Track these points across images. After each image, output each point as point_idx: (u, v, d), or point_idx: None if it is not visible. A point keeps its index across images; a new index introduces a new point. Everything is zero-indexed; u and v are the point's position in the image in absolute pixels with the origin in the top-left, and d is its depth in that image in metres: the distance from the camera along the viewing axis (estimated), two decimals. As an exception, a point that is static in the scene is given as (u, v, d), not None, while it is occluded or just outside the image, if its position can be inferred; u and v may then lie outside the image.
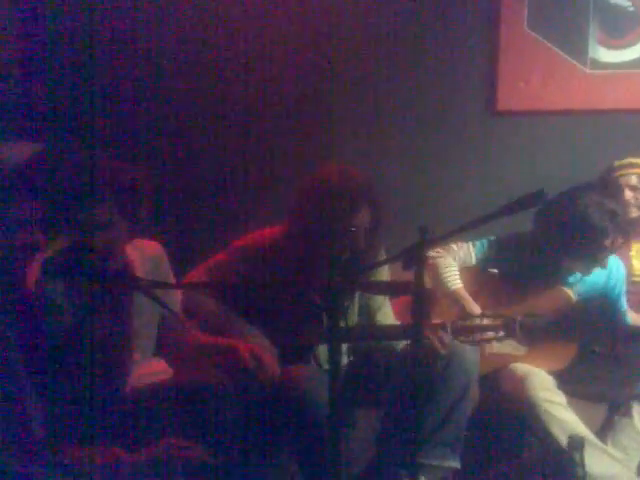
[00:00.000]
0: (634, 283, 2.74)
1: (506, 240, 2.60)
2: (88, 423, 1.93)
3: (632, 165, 2.83)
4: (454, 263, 2.56)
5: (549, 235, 2.49)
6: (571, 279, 2.56)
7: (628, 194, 2.80)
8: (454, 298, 2.51)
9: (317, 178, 2.28)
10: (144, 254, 2.17)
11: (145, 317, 2.10)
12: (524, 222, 2.52)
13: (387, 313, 2.49)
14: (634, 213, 2.82)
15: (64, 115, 3.06)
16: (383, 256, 2.43)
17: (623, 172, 2.83)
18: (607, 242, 2.41)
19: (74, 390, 1.92)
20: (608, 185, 2.80)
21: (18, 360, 1.83)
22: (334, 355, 1.62)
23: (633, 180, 2.81)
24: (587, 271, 2.53)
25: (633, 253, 2.81)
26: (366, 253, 2.27)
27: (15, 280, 1.87)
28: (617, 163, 2.86)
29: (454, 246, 2.59)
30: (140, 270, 2.08)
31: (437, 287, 2.51)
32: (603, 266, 2.50)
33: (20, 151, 2.66)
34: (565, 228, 2.43)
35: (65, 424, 1.88)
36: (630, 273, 2.75)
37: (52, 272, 1.94)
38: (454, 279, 2.54)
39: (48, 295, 1.91)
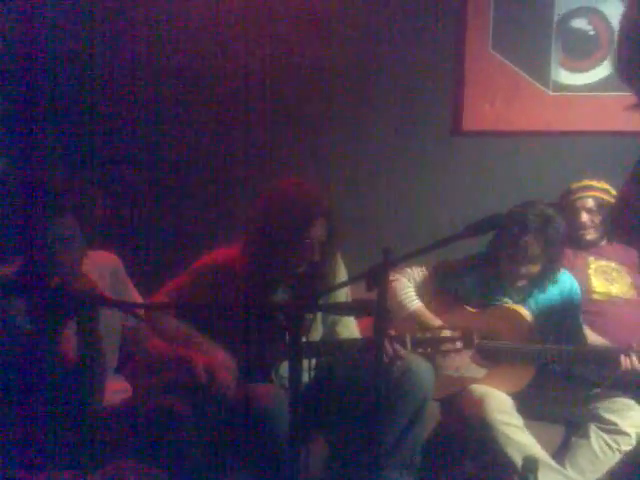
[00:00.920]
0: (592, 301, 2.78)
1: (461, 261, 2.64)
2: (43, 446, 1.89)
3: (588, 187, 2.89)
4: (410, 284, 2.61)
5: (495, 247, 2.55)
6: (517, 294, 2.58)
7: (584, 216, 2.87)
8: (415, 316, 2.53)
9: (272, 191, 2.32)
10: (100, 266, 2.15)
11: (107, 333, 2.08)
12: (481, 242, 2.56)
13: (349, 324, 2.50)
14: (590, 235, 2.89)
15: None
16: (342, 270, 2.46)
17: (580, 195, 2.89)
18: (526, 240, 2.44)
19: (32, 413, 1.89)
20: (566, 208, 2.85)
21: None
22: (294, 372, 1.62)
23: (589, 203, 2.88)
24: (537, 286, 2.56)
25: (591, 271, 2.86)
26: (322, 265, 2.31)
27: None
28: (574, 185, 2.91)
29: (408, 269, 2.63)
30: (99, 283, 2.06)
31: (397, 309, 2.54)
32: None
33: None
34: (503, 234, 2.49)
35: (18, 448, 1.84)
36: (589, 290, 2.79)
37: (9, 292, 1.91)
38: (412, 299, 2.57)
39: (4, 317, 1.88)
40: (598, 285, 2.81)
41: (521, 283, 2.56)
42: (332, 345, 2.37)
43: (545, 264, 2.51)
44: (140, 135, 3.11)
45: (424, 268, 2.65)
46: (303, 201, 2.25)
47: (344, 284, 2.23)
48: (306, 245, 2.26)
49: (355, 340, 2.42)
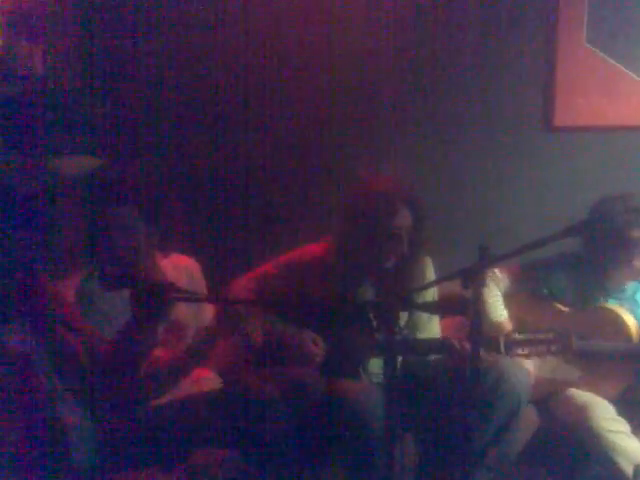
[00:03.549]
0: None
1: (554, 260, 2.56)
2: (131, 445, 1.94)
3: None
4: (498, 292, 2.54)
5: (590, 249, 2.48)
6: (619, 296, 2.50)
7: None
8: (498, 330, 2.46)
9: (356, 184, 2.35)
10: (178, 267, 2.21)
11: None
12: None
13: (431, 329, 2.47)
14: None
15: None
16: (431, 271, 2.44)
17: None
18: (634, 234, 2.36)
19: (118, 408, 1.94)
20: None
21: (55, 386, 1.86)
22: (389, 369, 1.63)
23: None
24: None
25: None
26: (411, 259, 2.31)
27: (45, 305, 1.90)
28: None
29: (497, 272, 2.56)
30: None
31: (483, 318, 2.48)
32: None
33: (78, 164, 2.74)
34: (597, 236, 2.41)
35: (109, 449, 1.90)
36: None
37: (90, 291, 1.98)
38: (499, 310, 2.51)
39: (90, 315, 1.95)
40: None
41: (626, 284, 2.48)
42: (420, 344, 2.36)
43: None
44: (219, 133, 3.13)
45: (509, 270, 2.58)
46: (386, 190, 2.26)
47: (435, 282, 2.21)
48: (393, 236, 2.25)
49: (436, 340, 2.40)
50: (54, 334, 1.88)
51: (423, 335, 2.44)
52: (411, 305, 1.98)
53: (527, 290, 2.59)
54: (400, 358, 2.32)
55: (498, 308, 2.52)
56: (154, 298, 1.77)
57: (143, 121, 3.08)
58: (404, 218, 2.26)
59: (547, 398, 2.44)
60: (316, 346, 2.26)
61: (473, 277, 1.63)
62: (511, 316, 2.52)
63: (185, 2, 3.06)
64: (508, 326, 2.48)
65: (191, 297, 1.97)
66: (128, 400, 1.96)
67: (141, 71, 3.08)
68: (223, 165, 3.12)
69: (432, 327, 2.46)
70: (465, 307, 1.65)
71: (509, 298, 2.56)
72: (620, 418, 2.33)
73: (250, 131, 3.11)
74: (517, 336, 2.29)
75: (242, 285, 2.43)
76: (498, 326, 2.47)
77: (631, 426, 2.33)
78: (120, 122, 3.04)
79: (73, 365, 1.87)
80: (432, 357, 2.40)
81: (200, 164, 3.10)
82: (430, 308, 2.11)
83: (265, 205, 3.13)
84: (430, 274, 2.45)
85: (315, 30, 3.05)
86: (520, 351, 2.28)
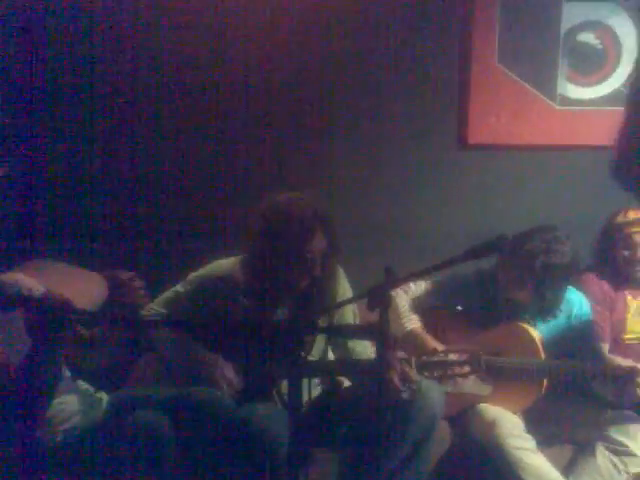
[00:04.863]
0: (624, 341, 2.69)
1: (467, 277, 2.59)
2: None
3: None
4: (408, 302, 2.57)
5: (502, 270, 2.50)
6: (529, 316, 2.54)
7: None
8: (412, 337, 2.50)
9: (269, 206, 2.29)
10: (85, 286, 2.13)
11: None
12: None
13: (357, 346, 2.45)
14: None
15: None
16: (345, 286, 2.44)
17: (635, 229, 2.69)
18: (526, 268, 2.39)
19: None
20: (615, 242, 2.70)
21: None
22: (293, 392, 1.60)
23: None
24: (539, 313, 2.52)
25: (630, 314, 2.72)
26: (323, 281, 2.30)
27: None
28: (620, 220, 2.71)
29: (412, 285, 2.59)
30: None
31: (395, 327, 2.50)
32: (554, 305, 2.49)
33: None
34: (512, 263, 2.44)
35: None
36: (623, 330, 2.70)
37: None
38: (410, 318, 2.54)
39: None
40: (635, 325, 2.71)
41: (525, 306, 2.52)
42: (334, 364, 2.34)
43: (547, 293, 2.45)
44: (139, 143, 3.08)
45: (427, 282, 2.61)
46: (300, 215, 2.23)
47: (346, 302, 2.20)
48: (305, 260, 2.24)
49: (359, 361, 2.39)
50: None
51: (355, 348, 2.42)
52: (320, 329, 1.96)
53: (440, 304, 2.61)
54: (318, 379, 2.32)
55: (408, 316, 2.54)
56: (49, 319, 1.68)
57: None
58: (318, 242, 2.25)
59: (459, 414, 2.47)
60: (227, 374, 2.22)
61: (378, 298, 1.62)
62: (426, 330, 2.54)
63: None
64: (421, 333, 2.50)
65: (91, 317, 1.89)
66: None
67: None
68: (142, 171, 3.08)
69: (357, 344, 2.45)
70: (373, 332, 1.63)
71: (422, 311, 2.58)
72: (527, 435, 2.36)
73: (168, 140, 3.07)
74: (428, 358, 2.31)
75: (155, 309, 2.40)
76: (410, 334, 2.49)
77: (540, 438, 2.38)
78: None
79: None
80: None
81: (114, 176, 3.05)
82: (339, 332, 2.10)
83: (178, 216, 3.08)
84: (345, 290, 2.44)
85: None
86: (431, 373, 2.30)
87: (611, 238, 2.73)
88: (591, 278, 2.75)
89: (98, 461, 1.93)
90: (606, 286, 2.73)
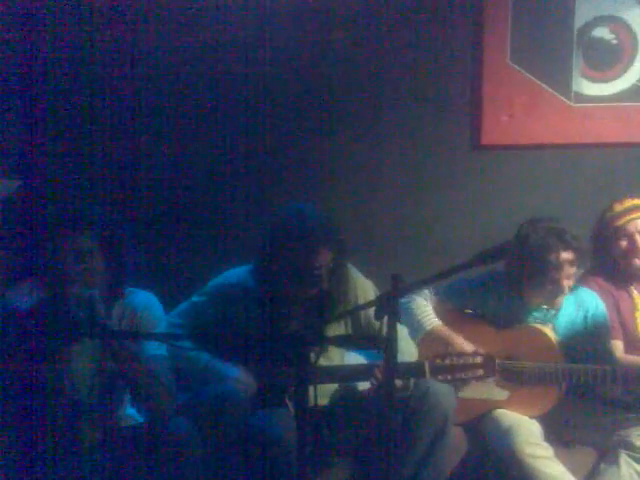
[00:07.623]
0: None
1: (482, 279, 2.54)
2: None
3: (637, 208, 2.61)
4: (426, 303, 2.53)
5: (511, 269, 2.48)
6: (541, 315, 2.50)
7: None
8: (435, 334, 2.46)
9: (277, 219, 2.33)
10: (132, 304, 2.15)
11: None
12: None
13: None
14: None
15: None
16: (365, 286, 2.41)
17: (630, 217, 2.60)
18: (552, 257, 2.35)
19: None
20: (611, 233, 2.61)
21: None
22: (301, 398, 1.60)
23: None
24: (551, 301, 2.47)
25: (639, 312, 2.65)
26: (333, 290, 2.30)
27: None
28: (618, 208, 2.63)
29: (425, 289, 2.54)
30: (127, 321, 2.11)
31: (415, 329, 2.47)
32: (559, 292, 2.44)
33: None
34: (518, 257, 2.40)
35: None
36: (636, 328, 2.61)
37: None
38: (430, 317, 2.50)
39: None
40: None
41: (544, 305, 2.48)
42: (343, 370, 2.33)
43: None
44: (145, 155, 3.08)
45: (440, 286, 2.55)
46: (304, 232, 2.23)
47: (351, 311, 2.21)
48: (312, 274, 2.25)
49: (361, 366, 2.37)
50: None
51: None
52: (326, 340, 1.94)
53: (454, 307, 2.57)
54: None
55: (428, 315, 2.50)
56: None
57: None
58: (324, 256, 2.25)
59: (475, 420, 2.42)
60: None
61: (386, 306, 1.59)
62: None
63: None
64: (443, 329, 2.46)
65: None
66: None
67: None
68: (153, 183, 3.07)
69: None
70: (377, 341, 1.61)
71: (436, 315, 2.53)
72: (544, 443, 2.32)
73: (179, 153, 3.07)
74: (442, 361, 2.28)
75: (172, 322, 2.38)
76: (432, 332, 2.45)
77: (559, 445, 2.33)
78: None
79: None
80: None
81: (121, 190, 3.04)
82: (345, 342, 2.09)
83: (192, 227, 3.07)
84: (362, 286, 2.41)
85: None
86: (445, 377, 2.27)
87: (607, 229, 2.62)
88: (590, 279, 2.66)
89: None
90: (607, 285, 2.64)
